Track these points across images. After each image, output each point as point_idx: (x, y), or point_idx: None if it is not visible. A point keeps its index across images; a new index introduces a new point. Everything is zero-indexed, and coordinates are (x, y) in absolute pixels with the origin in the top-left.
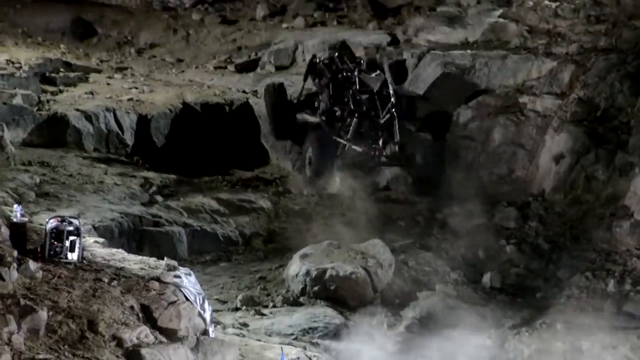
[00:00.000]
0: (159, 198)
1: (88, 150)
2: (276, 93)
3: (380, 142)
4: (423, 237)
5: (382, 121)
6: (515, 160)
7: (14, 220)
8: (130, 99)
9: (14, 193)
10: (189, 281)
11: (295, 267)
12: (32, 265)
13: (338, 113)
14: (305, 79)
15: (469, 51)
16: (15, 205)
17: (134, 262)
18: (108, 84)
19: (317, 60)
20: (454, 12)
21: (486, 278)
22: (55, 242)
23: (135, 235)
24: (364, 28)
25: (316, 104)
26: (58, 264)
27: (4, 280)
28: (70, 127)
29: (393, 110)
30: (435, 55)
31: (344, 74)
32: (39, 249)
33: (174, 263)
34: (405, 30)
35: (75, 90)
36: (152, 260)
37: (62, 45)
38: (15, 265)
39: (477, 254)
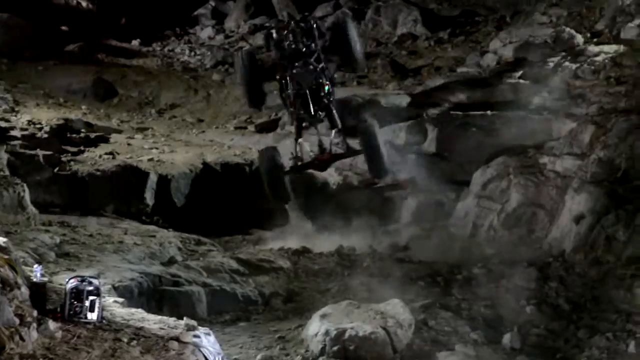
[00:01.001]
0: (179, 258)
1: (108, 210)
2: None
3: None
4: (443, 296)
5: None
6: (535, 221)
7: (34, 280)
8: (150, 159)
9: (34, 253)
10: (208, 341)
11: (315, 327)
12: (52, 325)
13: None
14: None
15: (489, 112)
16: (36, 265)
17: (153, 321)
18: (129, 144)
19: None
20: (474, 73)
21: (506, 339)
22: (75, 302)
23: (155, 295)
24: (384, 88)
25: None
26: (78, 324)
27: (23, 340)
28: (90, 187)
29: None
30: (455, 115)
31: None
32: (58, 309)
33: (193, 323)
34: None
35: (96, 150)
36: (171, 320)
37: (83, 106)
38: (35, 325)
39: (497, 314)
